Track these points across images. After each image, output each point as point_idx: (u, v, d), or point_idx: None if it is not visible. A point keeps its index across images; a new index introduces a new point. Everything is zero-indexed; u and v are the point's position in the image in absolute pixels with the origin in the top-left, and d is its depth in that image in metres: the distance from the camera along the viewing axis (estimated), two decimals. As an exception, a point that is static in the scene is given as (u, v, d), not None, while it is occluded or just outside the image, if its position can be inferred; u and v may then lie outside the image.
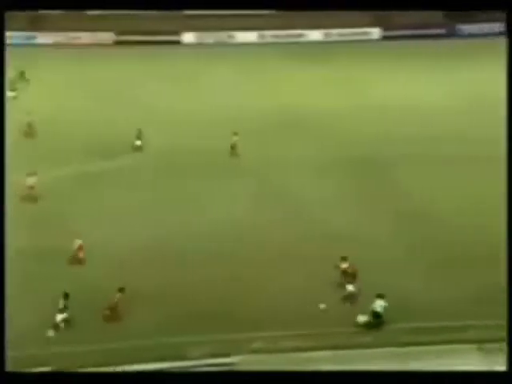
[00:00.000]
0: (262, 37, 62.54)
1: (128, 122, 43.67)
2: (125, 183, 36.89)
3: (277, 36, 62.44)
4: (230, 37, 62.47)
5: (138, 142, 40.95)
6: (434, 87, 51.53)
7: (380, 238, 31.62)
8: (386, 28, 63.17)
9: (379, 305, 25.29)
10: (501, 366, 22.18)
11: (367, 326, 25.21)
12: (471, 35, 64.18)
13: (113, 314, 26.61)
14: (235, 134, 39.96)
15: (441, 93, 50.22)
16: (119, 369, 22.21)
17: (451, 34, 64.00)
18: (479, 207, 34.33)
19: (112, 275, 28.46)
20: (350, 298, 26.77)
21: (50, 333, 25.92)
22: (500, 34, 64.54)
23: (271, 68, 55.14)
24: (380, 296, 25.45)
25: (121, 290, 26.88)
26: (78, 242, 29.89)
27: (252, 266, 29.40)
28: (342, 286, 27.21)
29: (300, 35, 63.16)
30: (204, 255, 30.28)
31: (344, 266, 27.36)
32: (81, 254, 29.77)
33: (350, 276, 27.07)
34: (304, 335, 25.17)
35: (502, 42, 63.23)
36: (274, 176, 37.76)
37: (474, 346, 24.21)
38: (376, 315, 25.30)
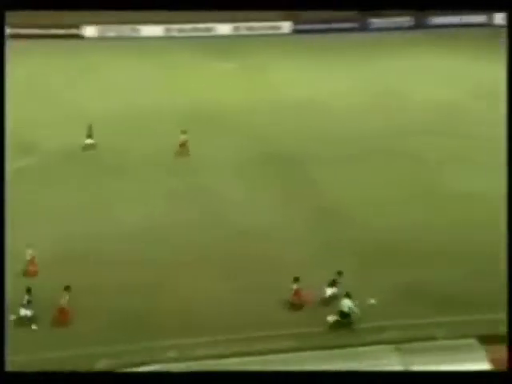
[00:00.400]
0: (168, 30, 62.36)
1: (30, 118, 42.82)
2: (32, 183, 36.17)
3: (184, 30, 62.24)
4: (135, 30, 62.16)
5: (89, 141, 39.75)
6: (346, 82, 51.85)
7: (297, 236, 31.78)
8: (296, 22, 63.94)
9: (346, 304, 25.60)
10: (417, 366, 22.66)
11: (337, 326, 25.52)
12: (382, 29, 65.83)
13: (61, 318, 25.78)
14: (183, 132, 39.56)
15: (353, 88, 50.65)
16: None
17: (364, 28, 65.37)
18: (393, 205, 34.52)
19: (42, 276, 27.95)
20: (329, 300, 27.04)
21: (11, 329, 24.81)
22: (409, 28, 66.56)
23: (180, 63, 54.49)
24: (347, 295, 25.76)
25: (66, 288, 25.86)
26: (29, 253, 28.73)
27: (171, 268, 28.98)
28: (292, 305, 27.00)
29: (208, 29, 63.06)
30: (121, 258, 29.75)
31: (295, 287, 27.20)
32: (33, 267, 28.61)
33: (300, 297, 27.09)
34: (224, 341, 24.89)
35: (413, 35, 65.36)
36: (189, 175, 37.35)
37: (391, 347, 24.92)
38: (343, 315, 25.68)
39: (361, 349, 24.17)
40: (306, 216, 33.67)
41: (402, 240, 31.28)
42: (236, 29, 63.47)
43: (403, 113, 46.44)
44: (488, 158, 38.91)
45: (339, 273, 27.36)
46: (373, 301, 26.68)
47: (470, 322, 25.21)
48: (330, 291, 27.08)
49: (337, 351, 24.08)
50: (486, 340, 23.46)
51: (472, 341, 23.55)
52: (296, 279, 27.04)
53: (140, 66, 53.29)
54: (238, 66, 54.60)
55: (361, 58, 57.98)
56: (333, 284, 27.09)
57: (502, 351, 22.10)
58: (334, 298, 26.92)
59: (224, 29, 63.03)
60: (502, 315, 24.20)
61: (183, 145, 39.45)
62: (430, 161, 39.31)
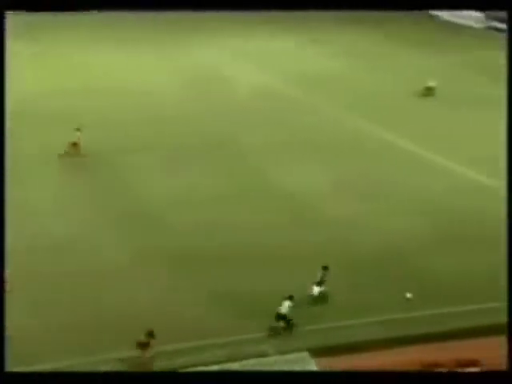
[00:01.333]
0: None
1: None
2: None
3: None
4: None
5: None
6: (160, 66, 52.85)
7: (107, 243, 30.33)
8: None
9: (285, 306, 25.25)
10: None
11: (278, 330, 25.19)
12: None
13: None
14: (78, 129, 37.49)
15: (165, 70, 51.98)
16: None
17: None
18: (213, 205, 33.80)
19: None
20: (317, 299, 26.91)
21: None
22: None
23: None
24: (289, 298, 25.40)
25: None
26: None
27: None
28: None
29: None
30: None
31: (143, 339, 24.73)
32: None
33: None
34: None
35: (231, 16, 65.79)
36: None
37: (216, 367, 24.28)
38: (280, 317, 25.34)
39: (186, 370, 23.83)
40: (116, 220, 32.22)
41: (224, 244, 30.29)
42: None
43: (221, 100, 46.70)
44: (310, 152, 39.33)
45: (324, 268, 26.71)
46: (409, 295, 26.97)
47: (302, 334, 25.56)
48: (317, 290, 26.72)
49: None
50: (318, 351, 23.70)
51: (304, 354, 23.70)
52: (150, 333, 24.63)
53: None
54: (35, 48, 54.00)
55: (174, 39, 58.60)
56: (321, 282, 26.69)
57: (331, 362, 22.88)
58: (323, 297, 26.69)
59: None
60: (335, 324, 25.14)
61: (76, 144, 37.71)
62: (251, 154, 38.97)
